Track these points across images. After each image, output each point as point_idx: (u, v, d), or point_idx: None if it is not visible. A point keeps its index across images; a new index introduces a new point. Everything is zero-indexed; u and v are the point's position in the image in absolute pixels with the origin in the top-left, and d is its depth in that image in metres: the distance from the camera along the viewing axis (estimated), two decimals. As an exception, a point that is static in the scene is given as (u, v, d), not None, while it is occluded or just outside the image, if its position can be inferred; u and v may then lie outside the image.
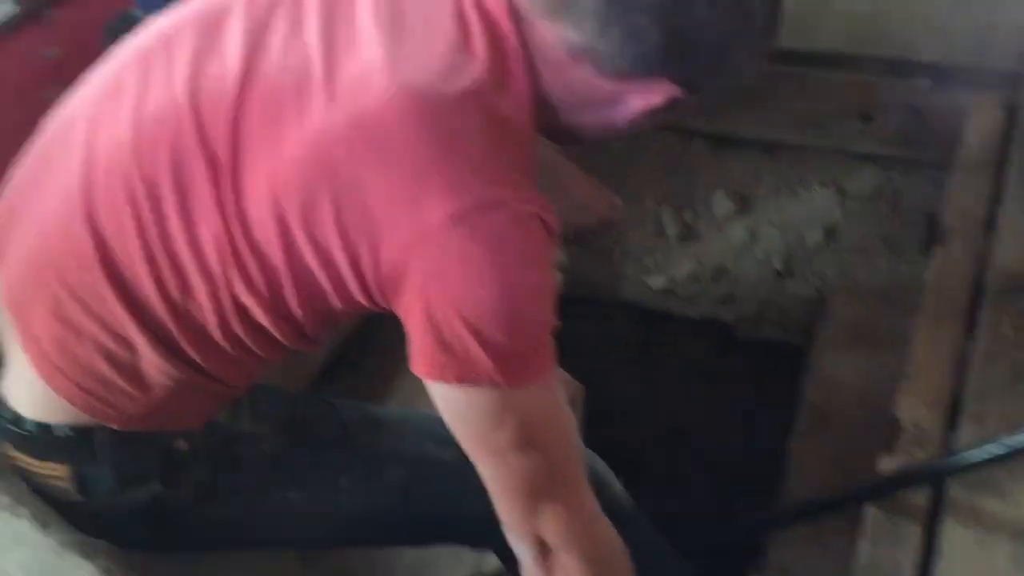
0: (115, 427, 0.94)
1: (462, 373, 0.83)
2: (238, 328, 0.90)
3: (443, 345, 0.82)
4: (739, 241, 2.13)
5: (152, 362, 0.90)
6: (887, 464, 1.28)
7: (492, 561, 1.29)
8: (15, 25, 1.85)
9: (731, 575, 1.57)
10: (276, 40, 0.87)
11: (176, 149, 0.86)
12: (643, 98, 0.89)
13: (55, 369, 0.91)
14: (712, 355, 2.11)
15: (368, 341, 1.93)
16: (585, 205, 1.54)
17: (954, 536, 1.16)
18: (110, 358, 0.90)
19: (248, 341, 0.91)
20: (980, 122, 1.82)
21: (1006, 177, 1.67)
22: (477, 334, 0.81)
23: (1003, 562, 1.13)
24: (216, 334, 0.90)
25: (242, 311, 0.89)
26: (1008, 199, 1.61)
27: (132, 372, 0.91)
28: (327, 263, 0.85)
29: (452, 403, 0.87)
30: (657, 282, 2.13)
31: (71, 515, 0.99)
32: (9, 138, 1.87)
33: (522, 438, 0.87)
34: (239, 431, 1.04)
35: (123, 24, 1.73)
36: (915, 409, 1.33)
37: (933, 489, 1.22)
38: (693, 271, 2.12)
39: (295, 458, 1.07)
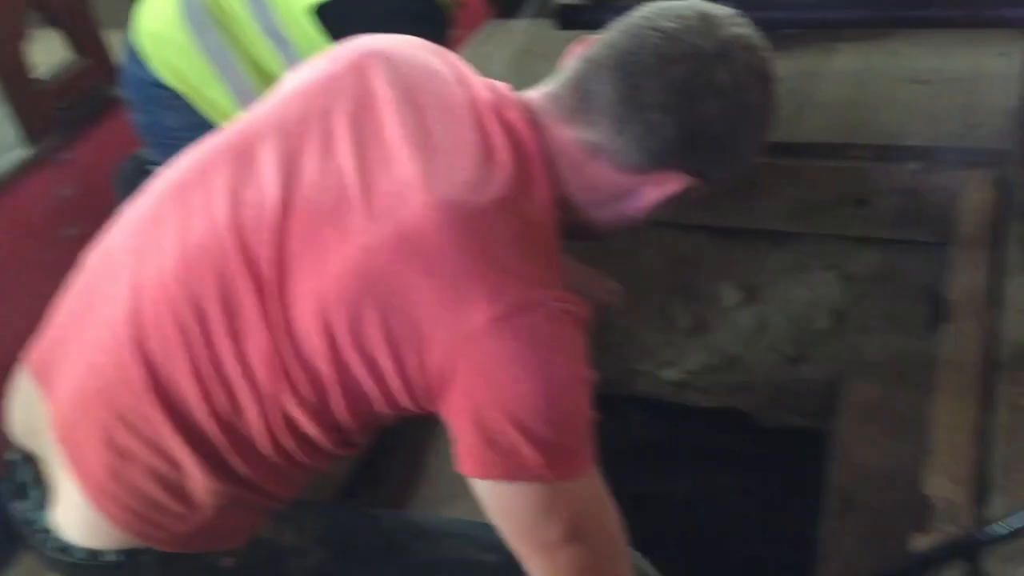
0: (162, 548, 0.95)
1: (511, 470, 0.85)
2: (286, 440, 0.92)
3: (490, 443, 0.85)
4: (749, 329, 2.16)
5: (199, 481, 0.92)
6: (921, 542, 1.28)
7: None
8: (30, 167, 1.93)
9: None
10: (310, 163, 0.92)
11: (222, 274, 0.89)
12: (659, 189, 0.94)
13: (105, 494, 0.92)
14: (731, 444, 2.12)
15: (388, 451, 1.94)
16: (581, 293, 1.57)
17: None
18: (160, 480, 0.92)
19: (296, 452, 0.93)
20: (972, 199, 1.88)
21: (1006, 251, 1.71)
22: (524, 430, 0.84)
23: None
24: (265, 448, 0.92)
25: (291, 424, 0.91)
26: (1010, 273, 1.65)
27: (180, 492, 0.92)
28: (374, 371, 0.88)
29: (500, 500, 0.89)
30: (671, 375, 2.15)
31: None
32: (29, 274, 1.92)
33: (571, 531, 0.89)
34: (283, 545, 1.05)
35: (133, 165, 1.80)
36: (943, 486, 1.34)
37: (969, 564, 1.22)
38: (706, 362, 2.15)
39: (339, 571, 1.08)
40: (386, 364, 0.87)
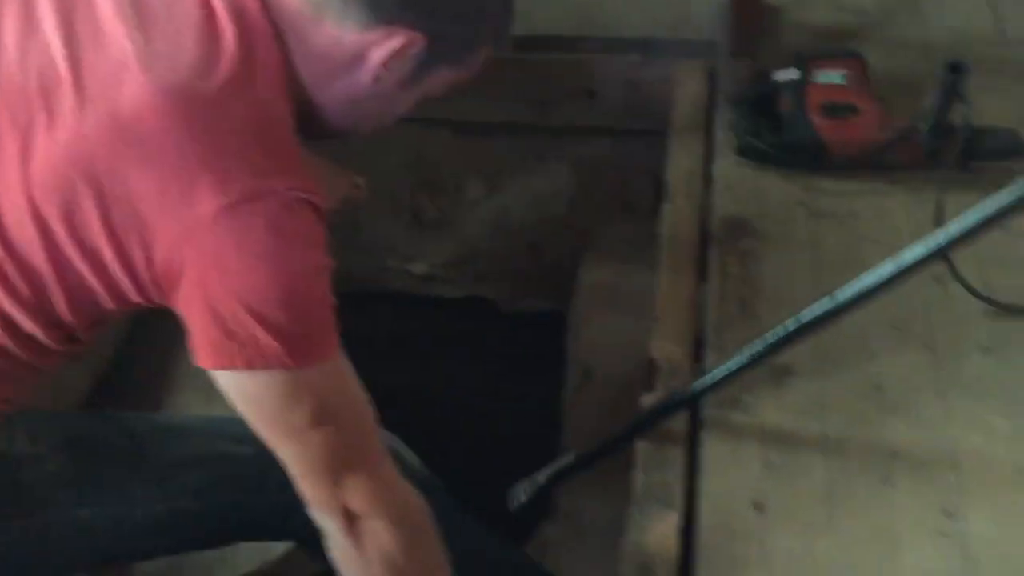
0: None
1: (251, 359, 0.85)
2: (4, 340, 0.87)
3: (228, 333, 0.84)
4: (492, 220, 2.24)
5: None
6: (648, 399, 1.41)
7: (278, 549, 1.30)
8: None
9: (527, 529, 1.66)
10: (10, 38, 0.85)
11: None
12: (384, 48, 0.89)
13: None
14: (480, 332, 2.20)
15: (130, 359, 1.86)
16: (325, 186, 1.57)
17: (712, 452, 1.31)
18: None
19: (17, 352, 0.89)
20: (687, 88, 2.02)
21: (714, 135, 1.87)
22: (260, 319, 0.83)
23: (756, 468, 1.29)
24: None
25: (8, 324, 0.86)
26: (718, 155, 1.81)
27: None
28: (96, 266, 0.85)
29: (243, 390, 0.89)
30: (419, 268, 2.20)
31: None
32: None
33: (318, 415, 0.90)
34: (18, 455, 1.00)
35: None
36: (665, 348, 1.48)
37: (690, 414, 1.37)
38: (452, 253, 2.21)
39: (82, 475, 1.04)
40: (109, 257, 0.84)
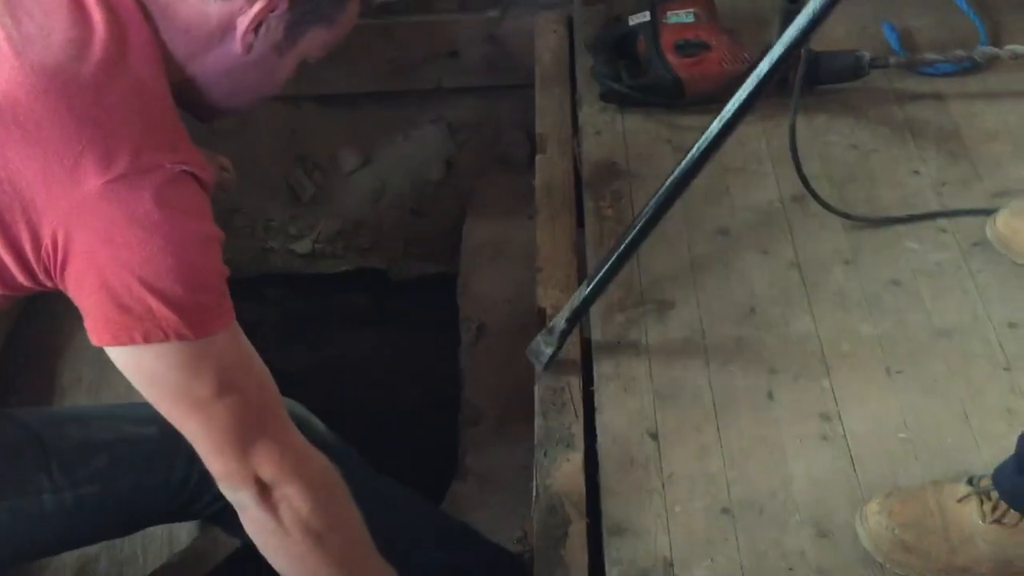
0: None
1: (148, 332, 0.85)
2: None
3: (123, 308, 0.84)
4: (370, 190, 2.24)
5: None
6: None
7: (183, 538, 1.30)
8: None
9: (438, 488, 1.69)
10: None
11: None
12: (248, 15, 0.89)
13: None
14: (372, 303, 2.21)
15: (17, 362, 1.81)
16: None
17: (605, 390, 1.36)
18: None
19: None
20: (547, 39, 2.05)
21: (576, 84, 1.90)
22: (154, 291, 0.84)
23: (648, 400, 1.34)
24: None
25: None
26: (583, 102, 1.85)
27: None
28: None
29: (143, 366, 0.89)
30: (303, 247, 2.18)
31: None
32: None
33: (221, 385, 0.90)
34: None
35: None
36: (550, 295, 1.52)
37: (583, 364, 1.41)
38: (334, 228, 2.20)
39: None
40: None
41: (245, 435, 0.94)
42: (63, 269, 0.86)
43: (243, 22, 0.90)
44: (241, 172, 2.19)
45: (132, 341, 0.86)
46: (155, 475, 1.11)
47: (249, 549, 1.04)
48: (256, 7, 0.89)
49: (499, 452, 1.69)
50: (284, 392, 1.01)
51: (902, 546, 1.11)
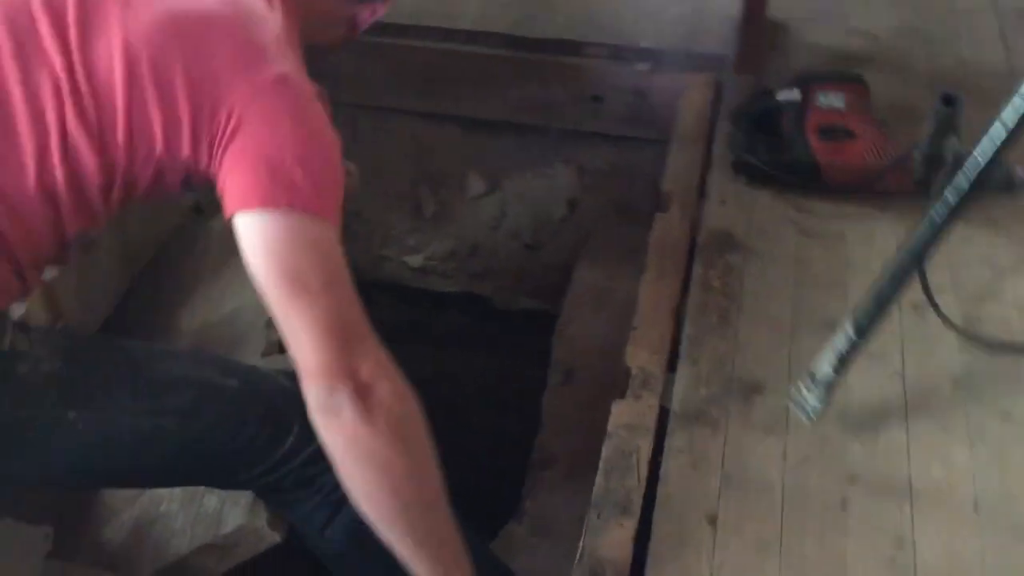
0: None
1: (292, 199, 0.98)
2: (57, 170, 1.00)
3: (274, 177, 0.99)
4: (491, 217, 2.26)
5: None
6: (620, 407, 1.43)
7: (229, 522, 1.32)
8: None
9: (493, 523, 1.68)
10: None
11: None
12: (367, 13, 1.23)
13: None
14: (471, 327, 2.22)
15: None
16: None
17: (673, 463, 1.33)
18: None
19: (61, 190, 1.01)
20: (692, 100, 2.03)
21: (713, 148, 1.88)
22: (303, 168, 0.99)
23: (714, 482, 1.30)
24: (30, 179, 0.99)
25: (68, 146, 1.00)
26: (715, 168, 1.82)
27: None
28: (167, 109, 1.01)
29: (272, 233, 0.98)
30: (415, 261, 2.22)
31: None
32: None
33: (329, 277, 1.00)
34: (13, 350, 1.04)
35: None
36: (641, 356, 1.49)
37: (657, 432, 1.38)
38: (449, 248, 2.23)
39: (76, 378, 1.08)
40: (181, 104, 1.00)
41: (346, 333, 1.00)
42: (229, 141, 1.01)
43: (362, 17, 1.24)
44: (370, 179, 2.26)
45: (276, 205, 0.98)
46: (228, 426, 1.15)
47: (286, 544, 1.06)
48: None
49: (561, 501, 1.66)
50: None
51: None
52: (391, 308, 2.26)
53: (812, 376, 1.32)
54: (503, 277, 2.21)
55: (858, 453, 1.33)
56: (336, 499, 1.15)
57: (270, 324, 1.51)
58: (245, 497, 1.23)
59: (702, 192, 1.80)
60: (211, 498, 1.28)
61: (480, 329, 2.23)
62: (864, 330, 1.27)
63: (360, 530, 1.08)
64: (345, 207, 1.87)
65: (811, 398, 1.33)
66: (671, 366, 1.48)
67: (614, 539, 1.25)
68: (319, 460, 1.09)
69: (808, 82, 1.79)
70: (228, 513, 1.24)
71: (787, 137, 1.76)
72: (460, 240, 2.24)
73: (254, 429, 1.14)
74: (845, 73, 1.83)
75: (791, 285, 1.58)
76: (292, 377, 1.05)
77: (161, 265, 1.96)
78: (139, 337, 1.84)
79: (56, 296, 1.64)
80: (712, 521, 1.25)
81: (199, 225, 2.00)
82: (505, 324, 2.21)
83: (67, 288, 1.66)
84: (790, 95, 1.80)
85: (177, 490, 1.37)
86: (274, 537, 1.20)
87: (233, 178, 1.02)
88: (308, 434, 1.05)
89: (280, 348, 1.50)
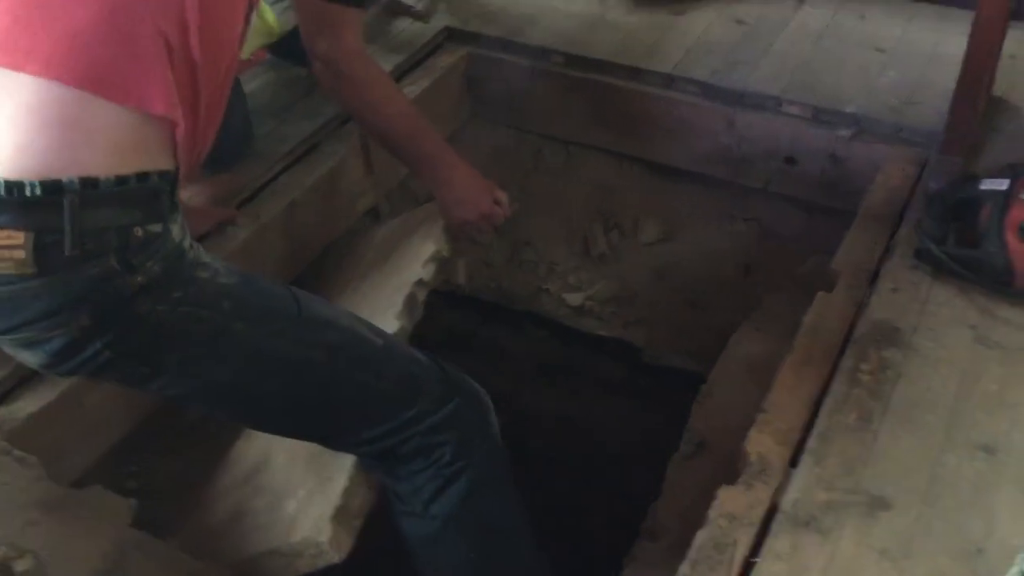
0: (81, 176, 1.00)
1: None
2: None
3: None
4: (659, 267, 2.18)
5: None
6: (725, 493, 1.33)
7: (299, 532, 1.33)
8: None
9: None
10: None
11: None
12: None
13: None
14: (617, 375, 2.16)
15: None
16: (464, 199, 1.62)
17: (769, 568, 1.21)
18: None
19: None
20: (889, 177, 1.87)
21: (899, 231, 1.72)
22: None
23: (814, 598, 1.17)
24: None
25: None
26: (895, 253, 1.66)
27: None
28: None
29: None
30: (575, 299, 2.18)
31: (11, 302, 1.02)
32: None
33: None
34: (197, 259, 1.13)
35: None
36: (763, 443, 1.38)
37: (760, 528, 1.27)
38: (611, 292, 2.17)
39: (249, 296, 1.17)
40: None
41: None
42: None
43: None
44: (546, 211, 2.25)
45: None
46: (368, 374, 1.25)
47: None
48: None
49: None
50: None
51: None
52: (541, 342, 2.23)
53: None
54: (659, 330, 2.13)
55: (986, 603, 1.16)
56: (450, 473, 1.27)
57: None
58: (319, 508, 1.23)
59: (874, 276, 1.65)
60: (291, 503, 1.30)
61: (625, 380, 2.16)
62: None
63: (465, 506, 1.23)
64: (507, 234, 1.88)
65: None
66: (794, 461, 1.36)
67: (684, 638, 1.16)
68: (442, 431, 1.25)
69: (1019, 173, 1.60)
70: (300, 523, 1.25)
71: (983, 230, 1.58)
72: (623, 285, 2.18)
73: (389, 384, 1.27)
74: (1064, 168, 1.62)
75: (951, 397, 1.41)
76: (429, 355, 1.31)
77: (327, 263, 2.03)
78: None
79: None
80: (797, 642, 1.13)
81: (367, 230, 2.06)
82: (653, 379, 2.13)
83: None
84: (997, 185, 1.61)
85: (270, 487, 1.40)
86: (333, 557, 1.20)
87: None
88: (435, 406, 1.26)
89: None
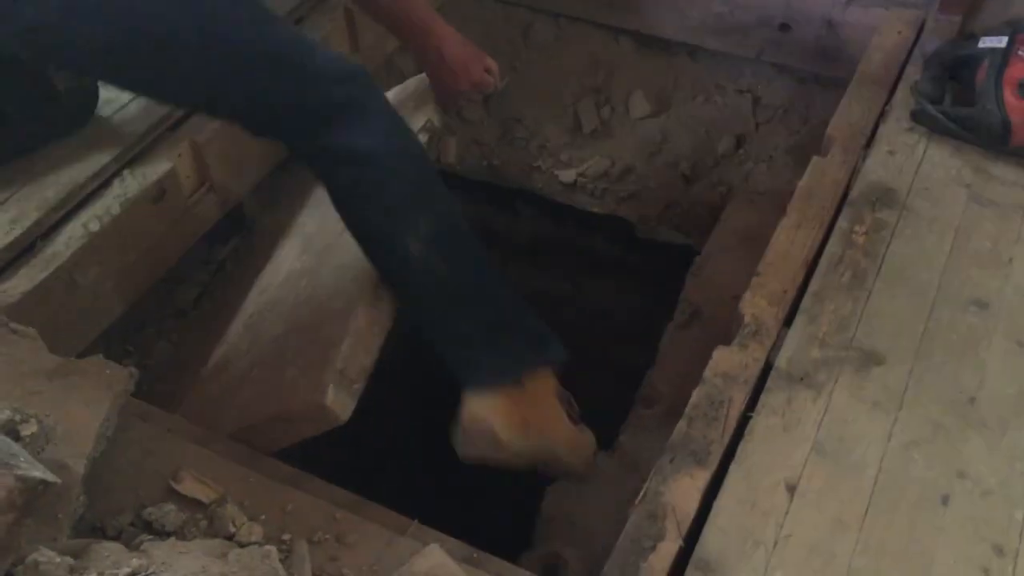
0: None
1: None
2: None
3: None
4: (651, 142, 2.15)
5: None
6: (722, 354, 1.34)
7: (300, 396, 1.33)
8: None
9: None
10: None
11: None
12: None
13: None
14: (611, 252, 2.15)
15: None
16: (456, 69, 1.58)
17: (764, 421, 1.23)
18: None
19: None
20: (885, 39, 1.83)
21: (895, 93, 1.69)
22: None
23: (804, 449, 1.20)
24: None
25: None
26: (890, 116, 1.64)
27: None
28: None
29: None
30: (567, 176, 2.15)
31: None
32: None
33: None
34: None
35: None
36: (757, 305, 1.38)
37: (755, 386, 1.28)
38: (603, 168, 2.15)
39: None
40: None
41: None
42: None
43: None
44: (537, 88, 2.21)
45: None
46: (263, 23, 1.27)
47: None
48: None
49: (657, 442, 1.59)
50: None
51: None
52: (534, 220, 2.22)
53: None
54: (652, 205, 2.11)
55: (976, 448, 1.18)
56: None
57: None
58: (319, 373, 1.24)
59: (870, 139, 1.63)
60: (290, 370, 1.31)
61: (619, 254, 2.15)
62: None
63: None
64: (497, 111, 1.84)
65: None
66: (788, 321, 1.37)
67: (681, 487, 1.18)
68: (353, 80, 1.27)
69: (1018, 31, 1.57)
70: (302, 387, 1.26)
71: (980, 89, 1.55)
72: (615, 161, 2.15)
73: (288, 33, 1.30)
74: (1065, 24, 1.59)
75: (945, 254, 1.41)
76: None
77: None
78: (279, 212, 1.90)
79: (205, 159, 1.71)
80: (791, 489, 1.16)
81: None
82: (646, 254, 2.13)
83: (216, 151, 1.73)
84: (995, 42, 1.58)
85: (268, 358, 1.41)
86: (337, 418, 1.21)
87: None
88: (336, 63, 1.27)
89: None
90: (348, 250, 1.49)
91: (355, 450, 1.67)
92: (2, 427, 0.96)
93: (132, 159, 1.63)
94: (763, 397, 1.26)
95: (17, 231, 1.47)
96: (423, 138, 1.58)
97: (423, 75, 1.72)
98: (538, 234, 2.22)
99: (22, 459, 0.89)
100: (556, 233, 2.20)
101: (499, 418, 1.37)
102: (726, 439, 1.23)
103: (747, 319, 1.37)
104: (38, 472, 0.88)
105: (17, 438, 0.98)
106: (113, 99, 1.70)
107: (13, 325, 1.17)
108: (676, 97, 2.18)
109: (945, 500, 1.14)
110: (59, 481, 0.91)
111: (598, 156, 2.16)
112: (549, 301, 2.24)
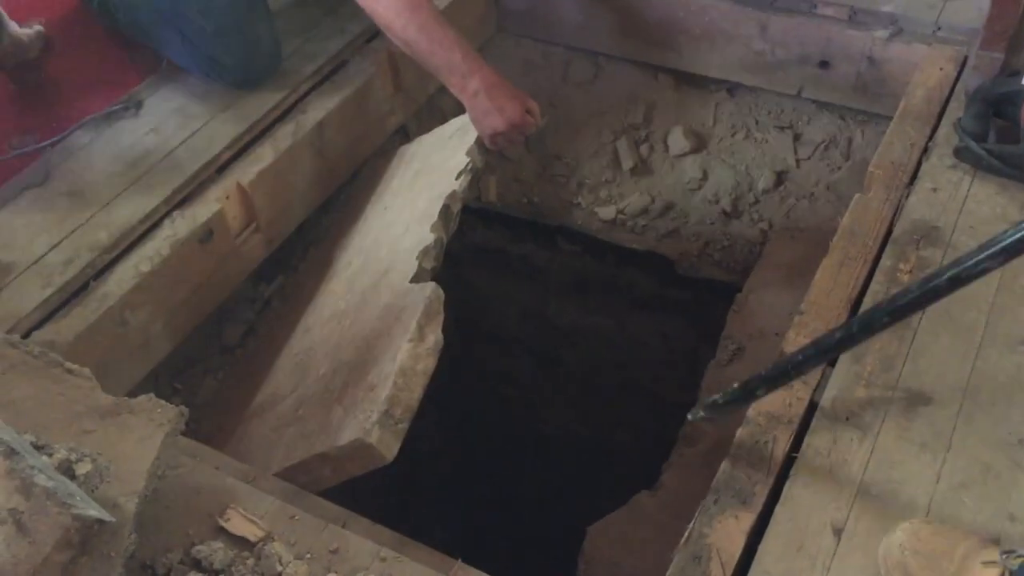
0: None
1: None
2: None
3: None
4: (691, 179, 2.16)
5: None
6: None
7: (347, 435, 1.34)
8: None
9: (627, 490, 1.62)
10: None
11: None
12: None
13: None
14: (651, 288, 2.15)
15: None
16: (496, 109, 1.60)
17: (809, 462, 1.22)
18: None
19: None
20: (927, 76, 1.83)
21: (937, 130, 1.68)
22: None
23: (849, 491, 1.18)
24: None
25: None
26: (933, 152, 1.64)
27: None
28: None
29: None
30: (607, 213, 2.16)
31: None
32: None
33: None
34: None
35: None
36: (800, 343, 1.38)
37: (800, 425, 1.27)
38: (643, 205, 2.15)
39: None
40: None
41: None
42: None
43: None
44: (577, 125, 2.22)
45: None
46: None
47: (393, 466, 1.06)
48: None
49: (699, 482, 1.58)
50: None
51: (903, 569, 1.06)
52: (574, 257, 2.23)
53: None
54: (691, 242, 2.11)
55: (1026, 491, 1.16)
56: None
57: (424, 253, 1.53)
58: (365, 413, 1.26)
59: (913, 176, 1.62)
60: (337, 409, 1.33)
61: (660, 291, 2.15)
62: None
63: None
64: (537, 148, 1.85)
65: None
66: (833, 360, 1.36)
67: (726, 529, 1.18)
68: None
69: (1063, 66, 1.56)
70: (348, 427, 1.27)
71: (1024, 126, 1.55)
72: (655, 198, 2.16)
73: None
74: (1111, 59, 1.58)
75: (992, 293, 1.40)
76: None
77: (359, 182, 2.04)
78: (321, 249, 1.93)
79: (251, 200, 1.75)
80: (837, 531, 1.15)
81: (398, 149, 2.06)
82: (687, 291, 2.12)
83: (263, 192, 1.76)
84: (1039, 79, 1.57)
85: (314, 397, 1.43)
86: (383, 457, 1.23)
87: None
88: None
89: (432, 276, 1.52)
90: (392, 290, 1.51)
91: (400, 485, 1.68)
92: (59, 466, 0.98)
93: (181, 201, 1.68)
94: (808, 437, 1.25)
95: (71, 272, 1.51)
96: (465, 179, 1.60)
97: (465, 115, 1.75)
98: (579, 270, 2.23)
99: (78, 498, 0.91)
100: (597, 269, 2.20)
101: None
102: (771, 480, 1.22)
103: (790, 358, 1.36)
104: (94, 511, 0.90)
105: (73, 477, 1.00)
106: (162, 144, 1.75)
107: (68, 365, 1.20)
108: (715, 134, 2.19)
109: (997, 543, 1.12)
110: (114, 520, 0.93)
111: (637, 193, 2.17)
112: (591, 337, 2.25)
